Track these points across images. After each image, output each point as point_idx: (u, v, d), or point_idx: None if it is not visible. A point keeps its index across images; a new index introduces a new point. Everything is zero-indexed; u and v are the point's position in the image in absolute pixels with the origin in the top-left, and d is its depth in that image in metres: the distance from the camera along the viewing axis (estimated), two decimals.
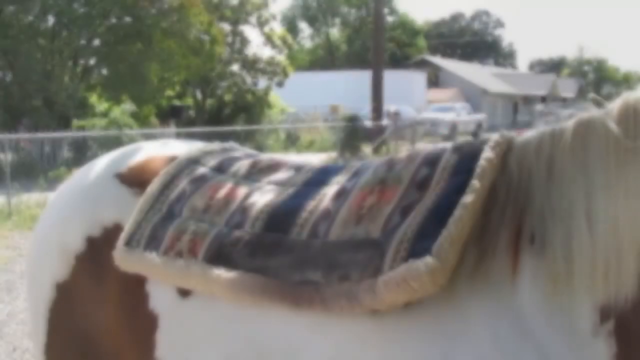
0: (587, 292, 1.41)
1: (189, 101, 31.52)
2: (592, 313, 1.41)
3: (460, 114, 38.45)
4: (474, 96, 52.98)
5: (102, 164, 2.24)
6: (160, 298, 1.92)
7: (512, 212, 1.50)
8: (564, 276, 1.41)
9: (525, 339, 1.42)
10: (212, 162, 2.09)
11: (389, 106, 29.40)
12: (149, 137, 16.69)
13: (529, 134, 1.60)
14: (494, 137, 1.65)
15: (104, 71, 24.14)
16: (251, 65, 31.37)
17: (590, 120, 1.49)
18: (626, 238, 1.38)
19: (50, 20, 22.44)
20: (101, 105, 21.71)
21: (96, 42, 23.64)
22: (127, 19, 23.09)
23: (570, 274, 1.41)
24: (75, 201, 2.18)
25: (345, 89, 41.99)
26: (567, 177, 1.46)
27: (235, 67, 31.74)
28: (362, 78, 34.82)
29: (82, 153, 17.31)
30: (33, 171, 15.11)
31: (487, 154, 1.57)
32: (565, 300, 1.42)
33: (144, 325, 1.93)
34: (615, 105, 1.49)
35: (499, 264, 1.47)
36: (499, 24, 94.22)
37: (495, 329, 1.44)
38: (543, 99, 62.86)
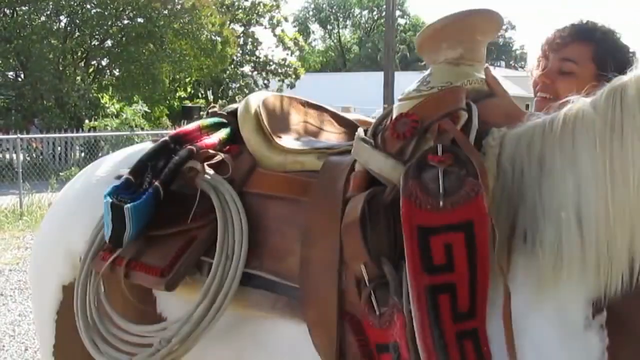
0: (579, 286, 1.41)
1: (201, 102, 31.55)
2: (585, 306, 1.41)
3: None
4: None
5: (104, 165, 2.24)
6: (168, 299, 1.91)
7: (507, 211, 1.51)
8: (553, 271, 1.42)
9: (520, 335, 1.43)
10: None
11: None
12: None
13: (521, 127, 1.58)
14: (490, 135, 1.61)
15: (116, 72, 24.21)
16: (263, 66, 31.36)
17: (578, 111, 1.47)
18: (617, 229, 1.37)
19: (63, 20, 22.54)
20: (113, 106, 21.70)
21: (108, 42, 23.71)
22: (139, 20, 23.12)
23: (558, 269, 1.41)
24: (79, 203, 2.17)
25: (357, 91, 41.91)
26: (557, 172, 1.45)
27: (246, 69, 31.75)
28: (373, 80, 34.77)
29: (93, 153, 17.33)
30: (45, 171, 15.12)
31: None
32: (557, 295, 1.42)
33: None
34: (602, 93, 1.47)
35: (494, 264, 1.47)
36: (510, 26, 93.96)
37: (491, 327, 1.45)
38: None
